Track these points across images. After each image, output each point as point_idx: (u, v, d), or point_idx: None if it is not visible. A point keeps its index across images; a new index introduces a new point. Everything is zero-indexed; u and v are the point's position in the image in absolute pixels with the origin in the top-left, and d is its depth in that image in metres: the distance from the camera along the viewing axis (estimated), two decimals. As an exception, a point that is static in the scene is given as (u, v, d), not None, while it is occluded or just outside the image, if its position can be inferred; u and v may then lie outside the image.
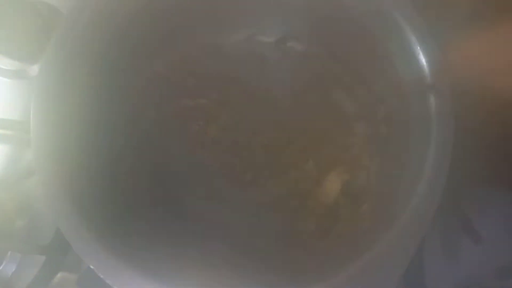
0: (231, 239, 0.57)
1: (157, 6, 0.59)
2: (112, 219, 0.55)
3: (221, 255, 0.54)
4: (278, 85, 0.70)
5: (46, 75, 0.49)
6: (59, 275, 0.65)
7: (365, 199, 0.61)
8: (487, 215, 0.69)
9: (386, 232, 0.43)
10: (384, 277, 0.41)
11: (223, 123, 0.67)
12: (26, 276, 0.64)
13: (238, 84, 0.69)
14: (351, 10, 0.56)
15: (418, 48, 0.50)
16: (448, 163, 0.45)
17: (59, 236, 0.64)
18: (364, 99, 0.66)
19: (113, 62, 0.57)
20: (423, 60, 0.49)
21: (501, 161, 0.57)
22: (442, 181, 0.45)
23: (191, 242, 0.58)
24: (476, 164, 0.58)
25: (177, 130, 0.65)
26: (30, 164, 0.61)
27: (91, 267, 0.42)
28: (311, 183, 0.63)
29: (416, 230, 0.43)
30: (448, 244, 0.70)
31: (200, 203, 0.60)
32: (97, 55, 0.54)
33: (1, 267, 0.66)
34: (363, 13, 0.54)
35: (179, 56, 0.67)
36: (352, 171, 0.64)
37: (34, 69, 0.76)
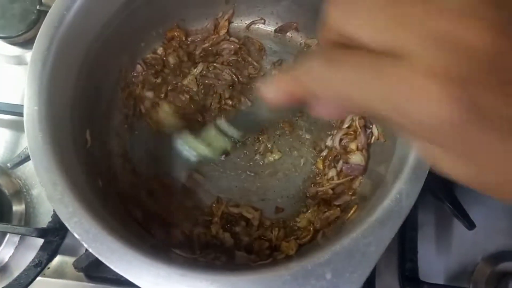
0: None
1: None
2: (109, 201, 0.57)
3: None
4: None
5: (36, 62, 0.50)
6: (57, 258, 0.66)
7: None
8: (480, 202, 0.70)
9: (355, 229, 0.44)
10: (356, 264, 0.42)
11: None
12: (24, 259, 0.66)
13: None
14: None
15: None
16: (426, 172, 0.45)
17: (56, 220, 0.66)
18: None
19: (97, 56, 0.58)
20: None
21: None
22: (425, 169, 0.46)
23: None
24: None
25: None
26: (27, 149, 0.61)
27: (88, 248, 0.43)
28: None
29: (386, 229, 0.44)
30: (441, 230, 0.71)
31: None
32: (82, 45, 0.56)
33: (0, 250, 0.67)
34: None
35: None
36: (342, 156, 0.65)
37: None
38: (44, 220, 0.68)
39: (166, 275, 0.42)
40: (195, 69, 0.70)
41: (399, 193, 0.44)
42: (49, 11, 0.52)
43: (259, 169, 0.66)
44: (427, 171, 0.45)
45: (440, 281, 0.67)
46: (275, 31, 0.74)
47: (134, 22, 0.64)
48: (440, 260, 0.69)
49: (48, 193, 0.44)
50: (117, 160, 0.65)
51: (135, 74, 0.69)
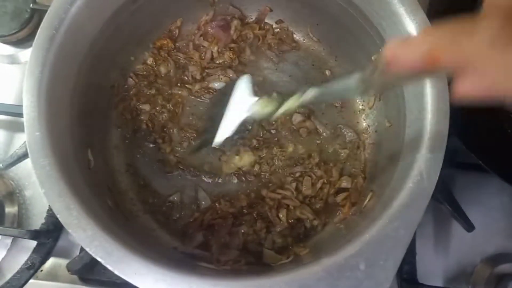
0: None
1: None
2: (122, 220, 0.56)
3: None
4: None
5: (31, 89, 0.48)
6: (50, 260, 0.64)
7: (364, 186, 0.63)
8: (479, 203, 0.70)
9: (382, 216, 0.44)
10: (388, 251, 0.42)
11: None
12: (17, 261, 0.63)
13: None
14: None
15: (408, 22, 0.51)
16: (443, 151, 0.45)
17: (49, 221, 0.64)
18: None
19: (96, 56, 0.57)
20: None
21: (493, 151, 0.57)
22: (438, 168, 0.45)
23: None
24: (468, 153, 0.58)
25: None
26: (22, 148, 0.59)
27: (114, 271, 0.41)
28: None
29: (412, 212, 0.43)
30: (440, 232, 0.70)
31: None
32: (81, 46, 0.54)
33: (-8, 252, 0.65)
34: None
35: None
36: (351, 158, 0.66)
37: (25, 54, 0.75)
38: (37, 222, 0.66)
39: (197, 287, 0.41)
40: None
41: (420, 174, 0.44)
42: (37, 35, 0.50)
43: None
44: (444, 149, 0.45)
45: (439, 283, 0.67)
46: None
47: (121, 36, 0.63)
48: (439, 262, 0.68)
49: (63, 219, 0.42)
50: (121, 177, 0.64)
51: (127, 87, 0.68)
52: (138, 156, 0.66)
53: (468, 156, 0.58)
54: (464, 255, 0.69)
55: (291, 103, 0.45)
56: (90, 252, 0.41)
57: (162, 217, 0.63)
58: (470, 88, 0.25)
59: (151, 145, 0.66)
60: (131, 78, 0.68)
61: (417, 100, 0.50)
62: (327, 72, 0.71)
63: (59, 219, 0.42)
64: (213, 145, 0.56)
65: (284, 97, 0.46)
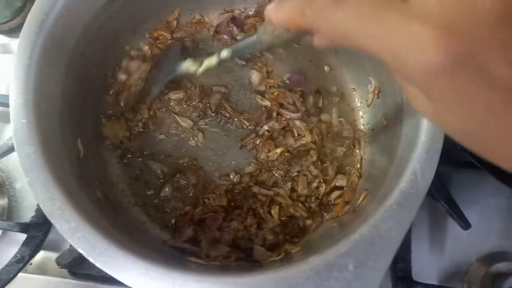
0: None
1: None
2: (111, 213, 0.55)
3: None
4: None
5: (19, 73, 0.47)
6: (40, 253, 0.64)
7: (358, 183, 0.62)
8: (475, 201, 0.69)
9: (374, 215, 0.43)
10: (379, 252, 0.41)
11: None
12: (6, 254, 0.62)
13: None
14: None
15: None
16: (439, 151, 0.44)
17: (40, 214, 0.63)
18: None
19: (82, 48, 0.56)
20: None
21: None
22: (433, 165, 0.44)
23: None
24: (465, 152, 0.57)
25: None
26: (12, 139, 0.58)
27: (96, 264, 0.40)
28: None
29: (405, 212, 0.42)
30: (435, 230, 0.70)
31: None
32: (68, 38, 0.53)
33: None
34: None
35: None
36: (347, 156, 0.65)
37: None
38: (27, 215, 0.65)
39: (181, 283, 0.40)
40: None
41: (414, 174, 0.43)
42: (27, 17, 0.49)
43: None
44: (440, 150, 0.44)
45: (433, 281, 0.66)
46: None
47: (116, 24, 0.61)
48: (434, 260, 0.68)
49: (46, 209, 0.41)
50: (113, 168, 0.63)
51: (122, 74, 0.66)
52: (132, 146, 0.64)
53: (466, 154, 0.57)
54: (460, 253, 0.68)
55: (211, 61, 0.53)
56: (73, 244, 0.40)
57: (153, 210, 0.62)
58: (319, 42, 0.35)
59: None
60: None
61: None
62: (326, 68, 0.70)
63: (42, 209, 0.41)
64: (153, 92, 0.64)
65: (205, 57, 0.54)
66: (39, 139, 0.45)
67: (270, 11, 0.34)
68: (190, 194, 0.62)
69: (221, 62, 0.51)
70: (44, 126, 0.47)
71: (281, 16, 0.33)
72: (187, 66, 0.57)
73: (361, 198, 0.56)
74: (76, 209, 0.42)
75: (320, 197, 0.62)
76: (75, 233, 0.40)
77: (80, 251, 0.40)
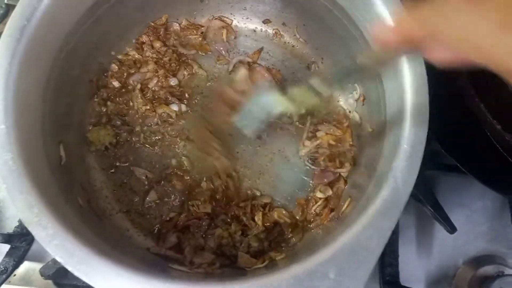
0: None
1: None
2: (77, 201, 0.53)
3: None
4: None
5: (4, 52, 0.46)
6: (23, 264, 0.63)
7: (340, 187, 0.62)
8: (461, 205, 0.70)
9: (356, 222, 0.43)
10: (360, 260, 0.41)
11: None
12: None
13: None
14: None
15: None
16: (420, 159, 0.44)
17: (23, 225, 0.62)
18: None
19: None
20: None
21: (472, 154, 0.57)
22: (417, 166, 0.44)
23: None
24: (451, 157, 0.58)
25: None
26: None
27: (73, 272, 0.40)
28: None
29: (386, 220, 0.42)
30: (422, 234, 0.70)
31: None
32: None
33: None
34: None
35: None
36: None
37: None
38: (10, 225, 0.64)
39: (161, 292, 0.40)
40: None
41: (395, 182, 0.43)
42: (7, 23, 0.48)
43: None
44: (421, 158, 0.44)
45: (421, 285, 0.66)
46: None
47: (100, 29, 0.61)
48: (421, 264, 0.68)
49: (24, 217, 0.41)
50: (97, 174, 0.62)
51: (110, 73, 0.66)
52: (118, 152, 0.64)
53: (451, 158, 0.58)
54: (447, 257, 0.69)
55: (311, 99, 0.48)
56: (50, 251, 0.39)
57: (137, 216, 0.61)
58: (437, 54, 0.30)
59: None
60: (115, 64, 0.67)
61: (398, 108, 0.49)
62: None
63: (20, 217, 0.41)
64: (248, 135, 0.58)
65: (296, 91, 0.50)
66: (18, 145, 0.44)
67: (380, 28, 0.33)
68: (176, 201, 0.62)
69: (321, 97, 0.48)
70: (24, 132, 0.46)
71: (393, 35, 0.31)
72: (285, 105, 0.50)
73: (345, 205, 0.56)
74: (55, 216, 0.42)
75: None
76: (52, 240, 0.40)
77: (58, 259, 0.39)
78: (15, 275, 0.63)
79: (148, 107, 0.65)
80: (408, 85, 0.48)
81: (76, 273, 0.39)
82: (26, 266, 0.64)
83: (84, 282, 0.58)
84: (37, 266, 0.63)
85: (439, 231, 0.67)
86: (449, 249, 0.69)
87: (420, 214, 0.70)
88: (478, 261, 0.68)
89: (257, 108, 0.54)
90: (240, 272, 0.55)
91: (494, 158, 0.52)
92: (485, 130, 0.51)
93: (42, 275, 0.59)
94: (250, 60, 0.71)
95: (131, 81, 0.67)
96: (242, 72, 0.67)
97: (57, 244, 0.40)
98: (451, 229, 0.61)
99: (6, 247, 0.61)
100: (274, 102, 0.52)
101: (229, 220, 0.59)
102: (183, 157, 0.64)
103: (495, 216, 0.71)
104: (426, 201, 0.61)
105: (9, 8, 0.72)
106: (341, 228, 0.45)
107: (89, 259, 0.40)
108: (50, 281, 0.62)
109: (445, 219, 0.61)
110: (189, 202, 0.61)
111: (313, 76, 0.48)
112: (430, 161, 0.44)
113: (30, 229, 0.40)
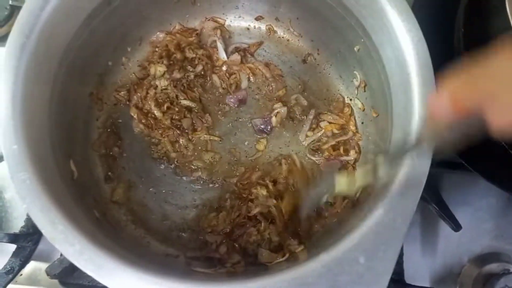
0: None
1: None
2: (94, 213, 0.53)
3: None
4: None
5: (7, 72, 0.46)
6: (30, 264, 0.62)
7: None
8: (465, 203, 0.70)
9: (377, 206, 0.43)
10: (387, 241, 0.41)
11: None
12: None
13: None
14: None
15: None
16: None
17: (30, 224, 0.62)
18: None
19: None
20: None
21: (477, 151, 0.57)
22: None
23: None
24: (455, 154, 0.58)
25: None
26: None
27: (106, 285, 0.40)
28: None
29: (407, 200, 0.43)
30: (427, 232, 0.70)
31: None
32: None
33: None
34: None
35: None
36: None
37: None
38: (17, 225, 0.64)
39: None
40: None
41: (412, 161, 0.44)
42: (7, 43, 0.47)
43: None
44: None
45: (426, 283, 0.66)
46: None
47: (97, 41, 0.60)
48: (426, 262, 0.68)
49: (48, 234, 0.40)
50: (106, 186, 0.62)
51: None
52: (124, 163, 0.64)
53: (456, 156, 0.58)
54: (452, 255, 0.69)
55: (367, 177, 0.47)
56: (80, 267, 0.39)
57: (152, 225, 0.61)
58: (499, 119, 0.27)
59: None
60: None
61: (404, 89, 0.50)
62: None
63: (44, 234, 0.40)
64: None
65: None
66: (32, 164, 0.44)
67: (433, 101, 0.30)
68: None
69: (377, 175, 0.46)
70: (35, 150, 0.46)
71: (442, 107, 0.28)
72: (343, 185, 0.50)
73: (359, 192, 0.57)
74: (78, 231, 0.42)
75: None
76: (81, 255, 0.40)
77: (89, 273, 0.39)
78: (21, 274, 0.63)
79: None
80: (412, 67, 0.48)
81: (108, 284, 0.39)
82: (32, 266, 0.64)
83: (89, 281, 0.59)
84: (43, 265, 0.62)
85: (444, 229, 0.67)
86: (454, 247, 0.69)
87: (425, 212, 0.70)
88: (483, 259, 0.68)
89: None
90: (262, 268, 0.56)
91: (499, 155, 0.53)
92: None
93: (48, 275, 0.59)
94: (246, 46, 0.71)
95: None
96: (235, 56, 0.69)
97: (87, 259, 0.39)
98: (456, 226, 0.61)
99: (12, 247, 0.61)
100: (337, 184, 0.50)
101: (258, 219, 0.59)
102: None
103: (500, 213, 0.71)
104: (430, 199, 0.61)
105: (14, 9, 0.72)
106: (359, 214, 0.46)
107: (117, 270, 0.40)
108: (56, 281, 0.61)
109: (449, 217, 0.61)
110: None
111: (379, 155, 0.47)
112: (434, 159, 0.44)
113: (57, 246, 0.40)
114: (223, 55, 0.70)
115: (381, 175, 0.44)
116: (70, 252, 0.40)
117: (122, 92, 0.66)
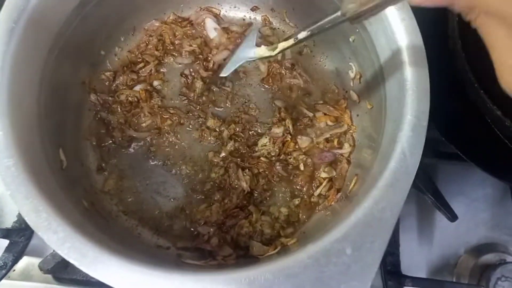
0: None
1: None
2: (82, 203, 0.52)
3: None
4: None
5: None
6: (23, 259, 0.62)
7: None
8: (461, 193, 0.70)
9: (366, 198, 0.43)
10: (375, 233, 0.40)
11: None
12: None
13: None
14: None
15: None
16: (425, 128, 0.44)
17: (22, 220, 0.62)
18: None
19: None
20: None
21: (472, 141, 0.57)
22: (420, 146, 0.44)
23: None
24: (451, 144, 0.57)
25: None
26: None
27: (89, 273, 0.39)
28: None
29: (397, 192, 0.42)
30: (423, 223, 0.70)
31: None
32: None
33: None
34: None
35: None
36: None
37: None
38: (9, 220, 0.64)
39: (179, 283, 0.39)
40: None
41: (403, 153, 0.43)
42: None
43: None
44: (426, 127, 0.44)
45: (423, 274, 0.66)
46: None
47: (88, 29, 0.60)
48: (422, 253, 0.68)
49: (32, 222, 0.40)
50: (98, 176, 0.61)
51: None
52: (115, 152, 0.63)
53: (451, 146, 0.57)
54: (448, 246, 0.68)
55: (287, 43, 0.52)
56: (62, 255, 0.39)
57: (143, 215, 0.60)
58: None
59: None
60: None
61: (397, 80, 0.49)
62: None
63: (28, 221, 0.40)
64: (221, 75, 0.61)
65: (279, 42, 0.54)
66: (19, 150, 0.44)
67: None
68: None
69: (297, 43, 0.51)
70: (23, 138, 0.45)
71: None
72: (262, 51, 0.56)
73: (352, 184, 0.56)
74: (63, 219, 0.41)
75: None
76: (64, 243, 0.39)
77: (72, 261, 0.38)
78: (14, 270, 0.63)
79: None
80: (406, 57, 0.48)
81: (92, 273, 0.39)
82: (25, 261, 0.64)
83: (83, 276, 0.59)
84: (36, 260, 0.62)
85: (440, 220, 0.67)
86: (451, 237, 0.68)
87: (421, 203, 0.69)
88: (480, 249, 0.68)
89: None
90: (253, 261, 0.55)
91: (494, 144, 0.52)
92: (485, 116, 0.50)
93: (41, 270, 0.59)
94: (215, 10, 0.72)
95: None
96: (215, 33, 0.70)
97: (69, 246, 0.39)
98: (452, 217, 0.61)
99: (5, 242, 0.61)
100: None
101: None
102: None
103: (496, 203, 0.71)
104: (426, 189, 0.61)
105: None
106: (350, 206, 0.46)
107: (102, 258, 0.40)
108: (49, 276, 0.62)
109: (445, 207, 0.61)
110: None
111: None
112: (429, 150, 0.44)
113: (40, 234, 0.39)
114: (213, 34, 0.69)
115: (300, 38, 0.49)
116: (53, 240, 0.39)
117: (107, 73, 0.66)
